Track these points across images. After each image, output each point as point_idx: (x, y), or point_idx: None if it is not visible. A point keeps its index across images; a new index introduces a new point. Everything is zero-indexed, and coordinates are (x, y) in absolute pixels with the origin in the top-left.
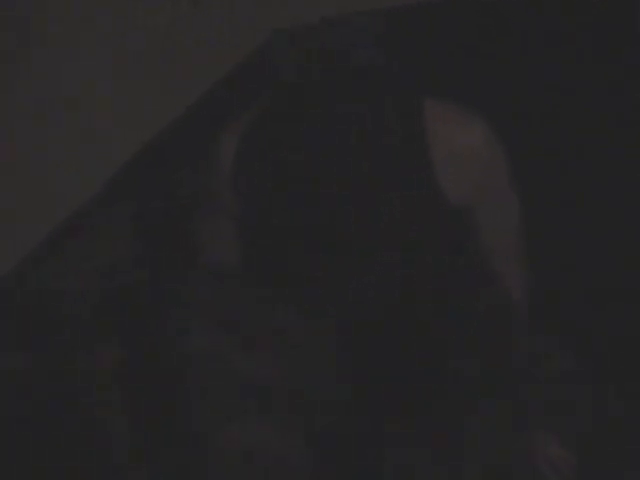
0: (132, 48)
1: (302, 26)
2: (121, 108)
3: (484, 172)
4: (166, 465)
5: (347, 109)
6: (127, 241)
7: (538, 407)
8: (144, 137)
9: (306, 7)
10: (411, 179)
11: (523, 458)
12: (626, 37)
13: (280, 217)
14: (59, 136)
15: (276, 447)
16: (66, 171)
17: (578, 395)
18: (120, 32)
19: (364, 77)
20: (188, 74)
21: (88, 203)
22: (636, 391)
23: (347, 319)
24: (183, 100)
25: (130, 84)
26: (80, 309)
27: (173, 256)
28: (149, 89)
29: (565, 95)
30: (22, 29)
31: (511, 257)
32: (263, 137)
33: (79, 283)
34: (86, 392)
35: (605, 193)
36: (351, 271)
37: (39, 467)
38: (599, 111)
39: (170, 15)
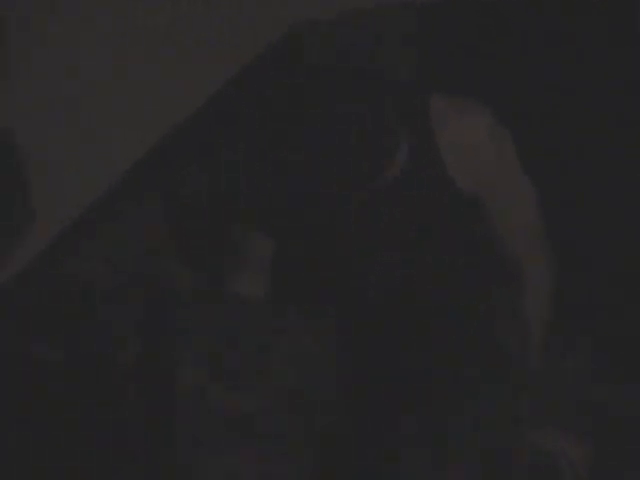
0: (132, 48)
1: (307, 24)
2: (121, 108)
3: (493, 159)
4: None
5: (347, 109)
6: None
7: (556, 406)
8: (144, 137)
9: (306, 7)
10: (419, 174)
11: (523, 456)
12: (626, 37)
13: (280, 217)
14: (59, 136)
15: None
16: (66, 171)
17: (594, 394)
18: (120, 32)
19: (364, 77)
20: (188, 74)
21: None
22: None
23: (347, 319)
24: (182, 100)
25: (130, 84)
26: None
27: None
28: (149, 89)
29: (565, 95)
30: (22, 29)
31: (532, 244)
32: (264, 137)
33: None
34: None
35: (605, 193)
36: (351, 271)
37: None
38: (599, 111)
39: (170, 15)
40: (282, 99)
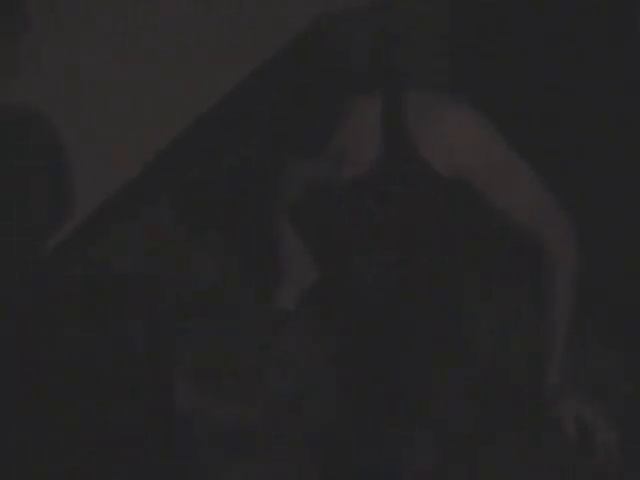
0: (132, 48)
1: (308, 24)
2: (121, 108)
3: (483, 155)
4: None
5: (345, 109)
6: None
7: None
8: (144, 137)
9: (306, 7)
10: (404, 171)
11: (524, 456)
12: (626, 37)
13: (281, 217)
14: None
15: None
16: None
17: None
18: (120, 32)
19: (364, 77)
20: (188, 74)
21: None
22: None
23: (347, 319)
24: (183, 101)
25: (130, 84)
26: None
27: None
28: (149, 89)
29: (565, 95)
30: (22, 29)
31: (549, 226)
32: (265, 138)
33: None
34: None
35: (605, 193)
36: (350, 271)
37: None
38: (599, 111)
39: (170, 15)
40: (285, 100)
